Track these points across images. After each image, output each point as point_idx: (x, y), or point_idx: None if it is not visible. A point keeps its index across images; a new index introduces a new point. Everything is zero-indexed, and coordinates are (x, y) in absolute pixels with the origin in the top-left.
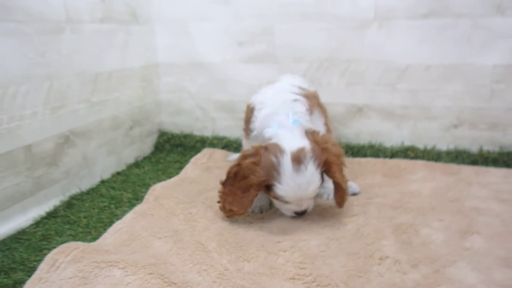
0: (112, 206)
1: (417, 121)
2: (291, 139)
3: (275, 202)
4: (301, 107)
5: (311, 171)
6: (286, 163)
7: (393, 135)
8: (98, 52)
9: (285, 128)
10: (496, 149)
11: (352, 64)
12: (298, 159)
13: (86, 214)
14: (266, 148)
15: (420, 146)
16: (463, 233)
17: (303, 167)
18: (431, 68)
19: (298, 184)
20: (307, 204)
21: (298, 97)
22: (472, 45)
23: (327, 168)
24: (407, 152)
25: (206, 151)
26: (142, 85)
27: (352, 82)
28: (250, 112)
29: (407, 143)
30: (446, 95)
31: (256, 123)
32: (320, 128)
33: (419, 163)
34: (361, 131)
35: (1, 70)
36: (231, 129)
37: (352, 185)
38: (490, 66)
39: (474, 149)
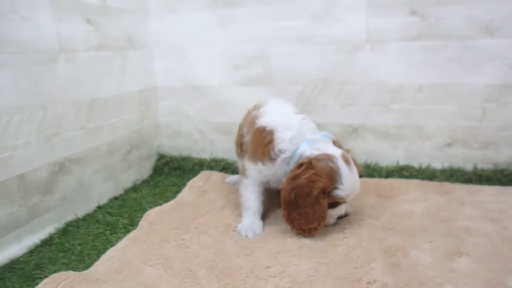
0: (107, 232)
1: (411, 140)
2: (331, 148)
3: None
4: (312, 123)
5: (356, 170)
6: (342, 166)
7: (388, 154)
8: (94, 79)
9: (321, 142)
10: (490, 166)
11: (346, 85)
12: (347, 161)
13: (81, 241)
14: (317, 159)
15: (415, 165)
16: (452, 254)
17: (352, 167)
18: (423, 89)
19: (354, 181)
20: (346, 207)
21: (304, 115)
22: (463, 66)
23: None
24: (402, 172)
25: (204, 174)
26: (141, 109)
27: (347, 103)
28: (267, 135)
29: (402, 162)
30: (438, 115)
31: (286, 145)
32: None
33: (414, 182)
34: (357, 151)
35: None
36: (229, 151)
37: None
38: (481, 86)
39: (468, 167)
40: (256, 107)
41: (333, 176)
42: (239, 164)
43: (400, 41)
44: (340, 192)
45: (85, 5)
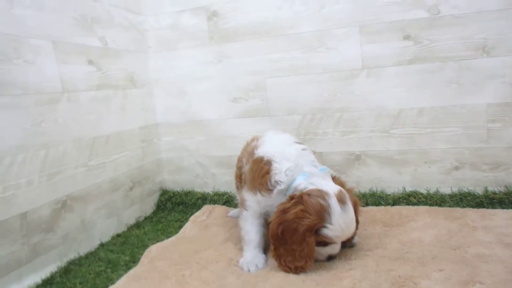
0: (108, 270)
1: (416, 165)
2: (327, 184)
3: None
4: (312, 155)
5: (352, 210)
6: (335, 204)
7: (394, 181)
8: (95, 117)
9: (318, 176)
10: (502, 189)
11: (345, 113)
12: (342, 200)
13: (82, 280)
14: (308, 194)
15: (423, 191)
16: (465, 283)
17: (347, 207)
18: (424, 112)
19: (346, 223)
20: (339, 247)
21: (304, 146)
22: (462, 87)
23: (354, 209)
24: (409, 198)
25: (206, 208)
26: (142, 146)
27: (347, 131)
28: (264, 165)
29: (409, 188)
30: (443, 138)
31: (282, 176)
32: None
33: (422, 209)
34: (361, 179)
35: None
36: (231, 184)
37: None
38: (483, 106)
39: (479, 190)
40: (255, 138)
41: (322, 214)
42: (238, 198)
43: (396, 66)
44: (329, 232)
45: (87, 47)
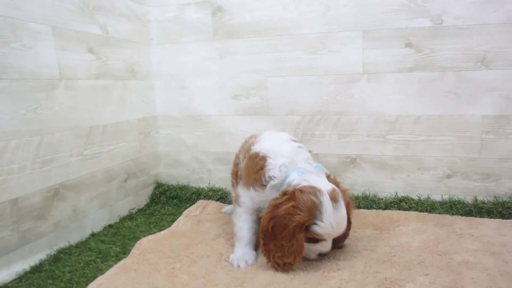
0: (99, 260)
1: (410, 172)
2: (321, 181)
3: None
4: (307, 153)
5: (344, 209)
6: (327, 202)
7: (387, 186)
8: (93, 107)
9: (311, 173)
10: (491, 199)
11: (343, 116)
12: (334, 198)
13: (71, 269)
14: (301, 191)
15: (414, 196)
16: None
17: (339, 205)
18: (421, 120)
19: (337, 221)
20: (330, 245)
21: (300, 144)
22: (459, 97)
23: (347, 209)
24: (400, 203)
25: (200, 203)
26: (139, 138)
27: (344, 134)
28: (259, 161)
29: (401, 194)
30: (437, 146)
31: (276, 172)
32: None
33: (412, 214)
34: (356, 182)
35: None
36: (227, 180)
37: None
38: (479, 117)
39: (468, 199)
40: (253, 136)
41: (313, 211)
42: (233, 195)
43: (396, 73)
44: (319, 229)
45: (87, 35)
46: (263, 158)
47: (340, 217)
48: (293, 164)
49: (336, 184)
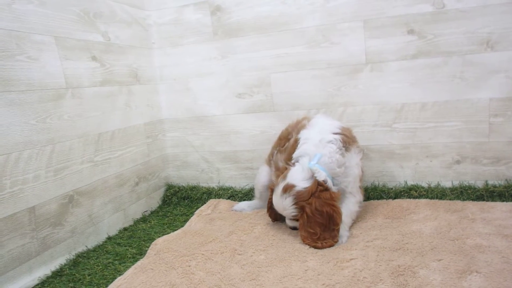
0: (116, 262)
1: (418, 159)
2: (297, 175)
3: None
4: (332, 147)
5: (288, 202)
6: (277, 190)
7: (396, 175)
8: (100, 113)
9: (301, 166)
10: (502, 182)
11: (348, 107)
12: (285, 190)
13: (90, 272)
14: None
15: (424, 184)
16: (462, 272)
17: (284, 196)
18: (426, 106)
19: (276, 203)
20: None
21: (335, 137)
22: (465, 81)
23: (300, 213)
24: (410, 192)
25: (211, 202)
26: (147, 142)
27: (350, 125)
28: (295, 143)
29: (410, 182)
30: (445, 132)
31: (297, 153)
32: (353, 166)
33: (423, 202)
34: (364, 173)
35: (4, 138)
36: (236, 179)
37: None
38: (486, 100)
39: (479, 184)
40: (306, 119)
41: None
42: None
43: (400, 61)
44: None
45: (89, 43)
46: (296, 141)
47: (279, 202)
48: (306, 152)
49: (314, 191)
